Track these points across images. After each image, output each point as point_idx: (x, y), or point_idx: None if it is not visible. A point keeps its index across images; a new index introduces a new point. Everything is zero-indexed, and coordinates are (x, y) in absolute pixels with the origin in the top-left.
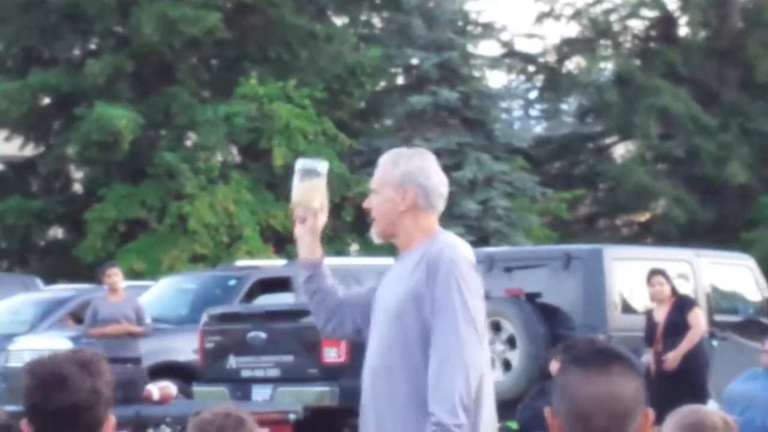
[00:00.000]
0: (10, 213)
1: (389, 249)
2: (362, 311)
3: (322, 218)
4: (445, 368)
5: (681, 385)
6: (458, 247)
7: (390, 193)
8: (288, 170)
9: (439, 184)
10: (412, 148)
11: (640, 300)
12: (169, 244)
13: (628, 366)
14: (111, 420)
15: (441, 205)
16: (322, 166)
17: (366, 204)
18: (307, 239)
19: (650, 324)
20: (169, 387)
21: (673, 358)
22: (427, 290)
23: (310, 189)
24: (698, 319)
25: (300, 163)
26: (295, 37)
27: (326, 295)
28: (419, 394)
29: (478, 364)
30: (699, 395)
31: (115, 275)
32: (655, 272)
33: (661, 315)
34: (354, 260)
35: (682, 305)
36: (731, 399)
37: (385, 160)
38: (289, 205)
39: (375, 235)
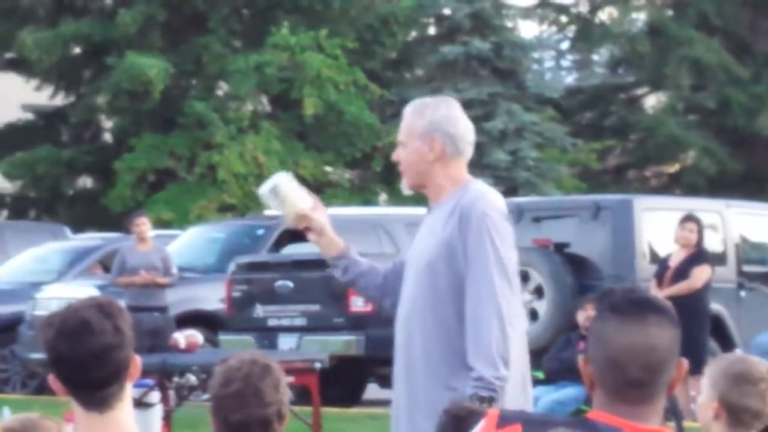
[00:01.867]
0: (41, 162)
1: (418, 199)
2: None
3: (319, 215)
4: (482, 321)
5: None
6: (490, 197)
7: (418, 143)
8: (318, 120)
9: (466, 130)
10: (436, 97)
11: (670, 250)
12: (198, 193)
13: (664, 316)
14: (136, 360)
15: (469, 152)
16: (277, 178)
17: (395, 156)
18: (320, 242)
19: (662, 266)
20: (196, 335)
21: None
22: (460, 241)
23: (284, 203)
24: (700, 274)
25: (261, 194)
26: None
27: (368, 277)
28: (449, 343)
29: (513, 314)
30: (694, 352)
31: (144, 224)
32: (689, 218)
33: (675, 261)
34: (383, 210)
35: (695, 258)
36: (761, 349)
37: (410, 111)
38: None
39: (405, 187)
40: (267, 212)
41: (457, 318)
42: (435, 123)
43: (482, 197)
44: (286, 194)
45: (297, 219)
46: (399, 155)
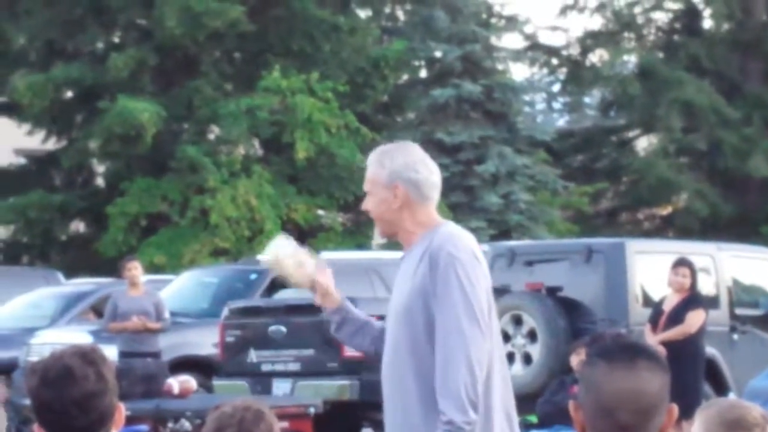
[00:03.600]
0: (32, 207)
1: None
2: None
3: (325, 277)
4: (450, 366)
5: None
6: (459, 238)
7: (382, 193)
8: (310, 163)
9: (430, 173)
10: (396, 143)
11: (662, 294)
12: (191, 238)
13: (654, 361)
14: (120, 408)
15: (435, 195)
16: (277, 247)
17: (364, 206)
18: (324, 301)
19: (657, 310)
20: (190, 381)
21: (652, 342)
22: (431, 285)
23: (289, 269)
24: (695, 318)
25: (265, 262)
26: (318, 29)
27: (365, 330)
28: (427, 388)
29: (484, 357)
30: (688, 396)
31: (135, 269)
32: (682, 262)
33: (669, 305)
34: (376, 254)
35: (689, 302)
36: (754, 395)
37: (372, 161)
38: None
39: (378, 235)
40: (260, 257)
41: (432, 360)
42: (395, 172)
43: (450, 239)
44: (289, 261)
45: (305, 283)
46: (367, 204)
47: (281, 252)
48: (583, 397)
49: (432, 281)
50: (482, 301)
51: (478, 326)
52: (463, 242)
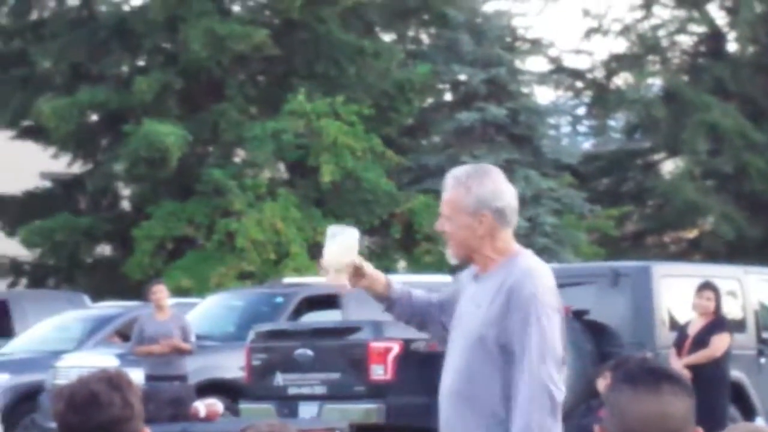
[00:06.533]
0: (59, 230)
1: (437, 266)
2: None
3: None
4: (531, 405)
5: (695, 403)
6: (538, 275)
7: (466, 219)
8: (336, 187)
9: (512, 199)
10: (477, 167)
11: (688, 317)
12: (217, 261)
13: (678, 385)
14: None
15: (516, 219)
16: (354, 234)
17: (438, 227)
18: (363, 285)
19: (682, 334)
20: (216, 404)
21: (677, 366)
22: (508, 321)
23: (343, 258)
24: (720, 342)
25: (332, 229)
26: (343, 53)
27: (421, 312)
28: (495, 418)
29: (560, 398)
30: (713, 420)
31: (160, 292)
32: (706, 286)
33: (694, 329)
34: (402, 277)
35: (714, 326)
36: None
37: (453, 184)
38: (320, 268)
39: (452, 258)
40: (286, 280)
41: (502, 392)
42: (483, 200)
43: (530, 275)
44: (344, 242)
45: (336, 269)
46: (443, 226)
47: (347, 231)
48: (609, 422)
49: (511, 318)
50: (558, 340)
51: (555, 366)
52: (543, 280)
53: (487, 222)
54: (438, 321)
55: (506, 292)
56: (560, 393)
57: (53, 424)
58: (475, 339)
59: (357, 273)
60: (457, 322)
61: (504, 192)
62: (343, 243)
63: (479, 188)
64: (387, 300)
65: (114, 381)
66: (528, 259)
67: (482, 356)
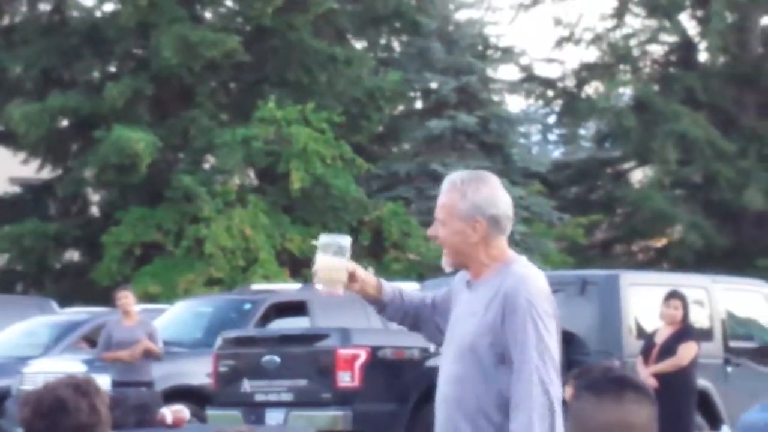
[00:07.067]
0: (27, 236)
1: (405, 273)
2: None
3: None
4: (531, 411)
5: (662, 411)
6: (533, 281)
7: (460, 224)
8: (305, 194)
9: (507, 207)
10: (474, 174)
11: (657, 326)
12: (185, 267)
13: (641, 393)
14: None
15: (510, 227)
16: (347, 241)
17: (431, 232)
18: (355, 290)
19: (649, 342)
20: (183, 411)
21: (644, 374)
22: (504, 328)
23: (338, 267)
24: (686, 350)
25: (324, 239)
26: (314, 60)
27: (414, 312)
28: (491, 424)
29: (559, 402)
30: (680, 429)
31: (125, 298)
32: (673, 294)
33: (661, 337)
34: None
35: (681, 334)
36: (747, 428)
37: (449, 189)
38: (314, 282)
39: (446, 265)
40: (254, 287)
41: (498, 400)
42: (477, 206)
43: (525, 283)
44: (342, 261)
45: (331, 286)
46: (437, 232)
47: (344, 243)
48: (572, 430)
49: (508, 325)
50: (556, 349)
51: (554, 371)
52: (538, 286)
53: (481, 229)
54: (431, 320)
55: (501, 300)
56: (560, 396)
57: (20, 430)
58: (468, 347)
59: (350, 278)
60: (450, 329)
61: (500, 199)
62: (337, 253)
63: (474, 194)
64: (379, 302)
65: (81, 387)
66: (522, 266)
67: (475, 364)
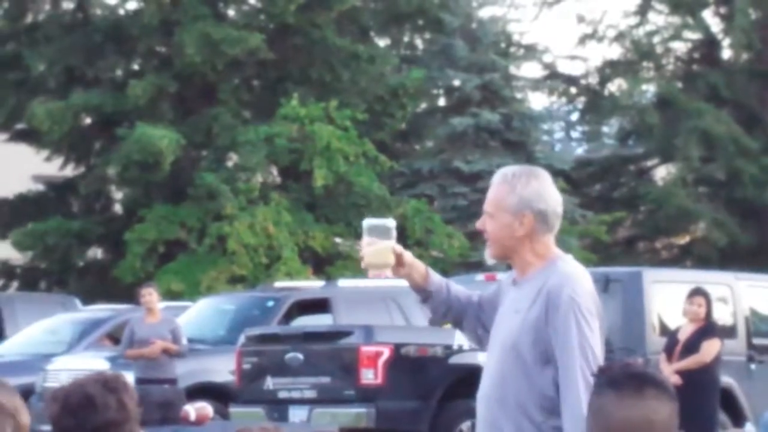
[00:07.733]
0: (51, 233)
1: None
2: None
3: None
4: (579, 409)
5: (685, 408)
6: (578, 279)
7: (507, 218)
8: (328, 191)
9: (556, 204)
10: (526, 168)
11: (680, 323)
12: (208, 264)
13: (662, 390)
14: None
15: (558, 225)
16: (392, 223)
17: (479, 225)
18: (402, 274)
19: (672, 340)
20: (206, 408)
21: (667, 371)
22: (547, 327)
23: (384, 250)
24: (710, 348)
25: (369, 222)
26: (338, 58)
27: (459, 308)
28: (534, 423)
29: None
30: (703, 426)
31: (149, 295)
32: (697, 292)
33: (684, 334)
34: (393, 282)
35: (704, 331)
36: None
37: (499, 182)
38: (362, 265)
39: (489, 257)
40: (277, 284)
41: (540, 400)
42: (526, 200)
43: (569, 281)
44: (387, 244)
45: (379, 269)
46: (485, 225)
47: (389, 225)
48: (592, 427)
49: (550, 323)
50: (599, 347)
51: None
52: (582, 285)
53: (528, 223)
54: (476, 318)
55: (545, 297)
56: None
57: (44, 427)
58: (511, 345)
59: (397, 261)
60: (495, 327)
61: (549, 195)
62: (382, 235)
63: (524, 188)
64: (424, 291)
65: (110, 383)
66: (568, 264)
67: (518, 363)
